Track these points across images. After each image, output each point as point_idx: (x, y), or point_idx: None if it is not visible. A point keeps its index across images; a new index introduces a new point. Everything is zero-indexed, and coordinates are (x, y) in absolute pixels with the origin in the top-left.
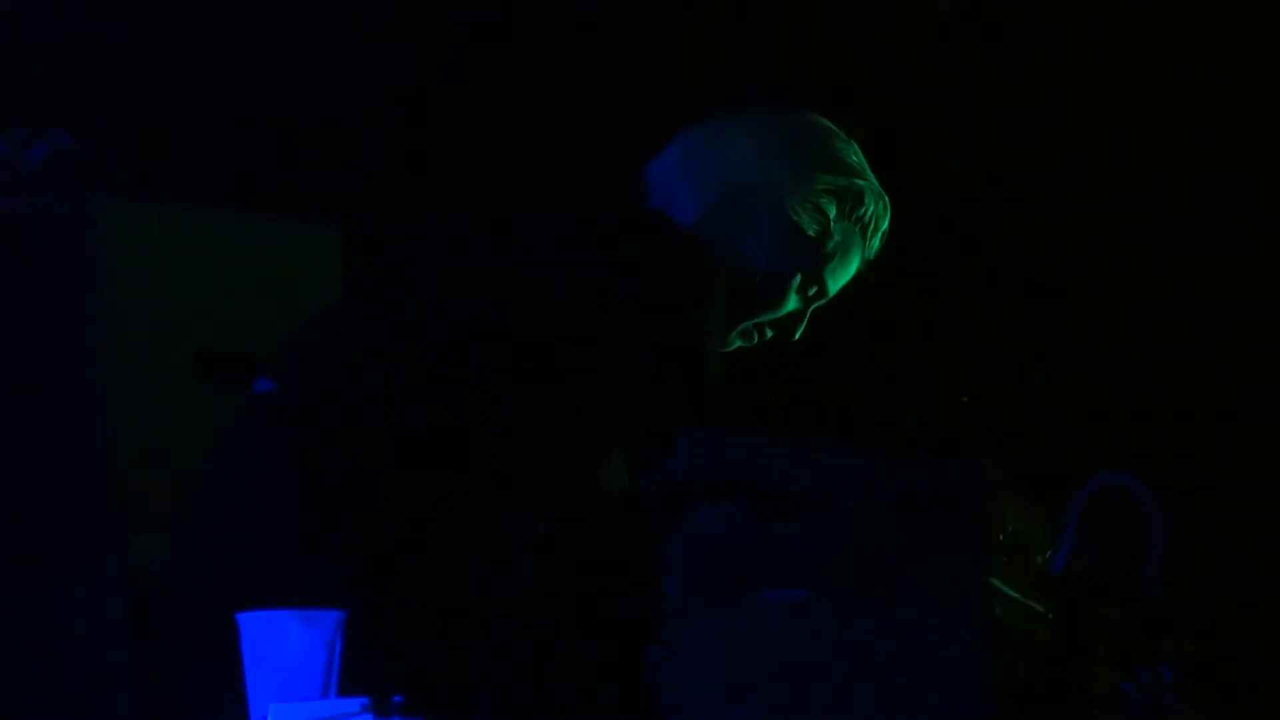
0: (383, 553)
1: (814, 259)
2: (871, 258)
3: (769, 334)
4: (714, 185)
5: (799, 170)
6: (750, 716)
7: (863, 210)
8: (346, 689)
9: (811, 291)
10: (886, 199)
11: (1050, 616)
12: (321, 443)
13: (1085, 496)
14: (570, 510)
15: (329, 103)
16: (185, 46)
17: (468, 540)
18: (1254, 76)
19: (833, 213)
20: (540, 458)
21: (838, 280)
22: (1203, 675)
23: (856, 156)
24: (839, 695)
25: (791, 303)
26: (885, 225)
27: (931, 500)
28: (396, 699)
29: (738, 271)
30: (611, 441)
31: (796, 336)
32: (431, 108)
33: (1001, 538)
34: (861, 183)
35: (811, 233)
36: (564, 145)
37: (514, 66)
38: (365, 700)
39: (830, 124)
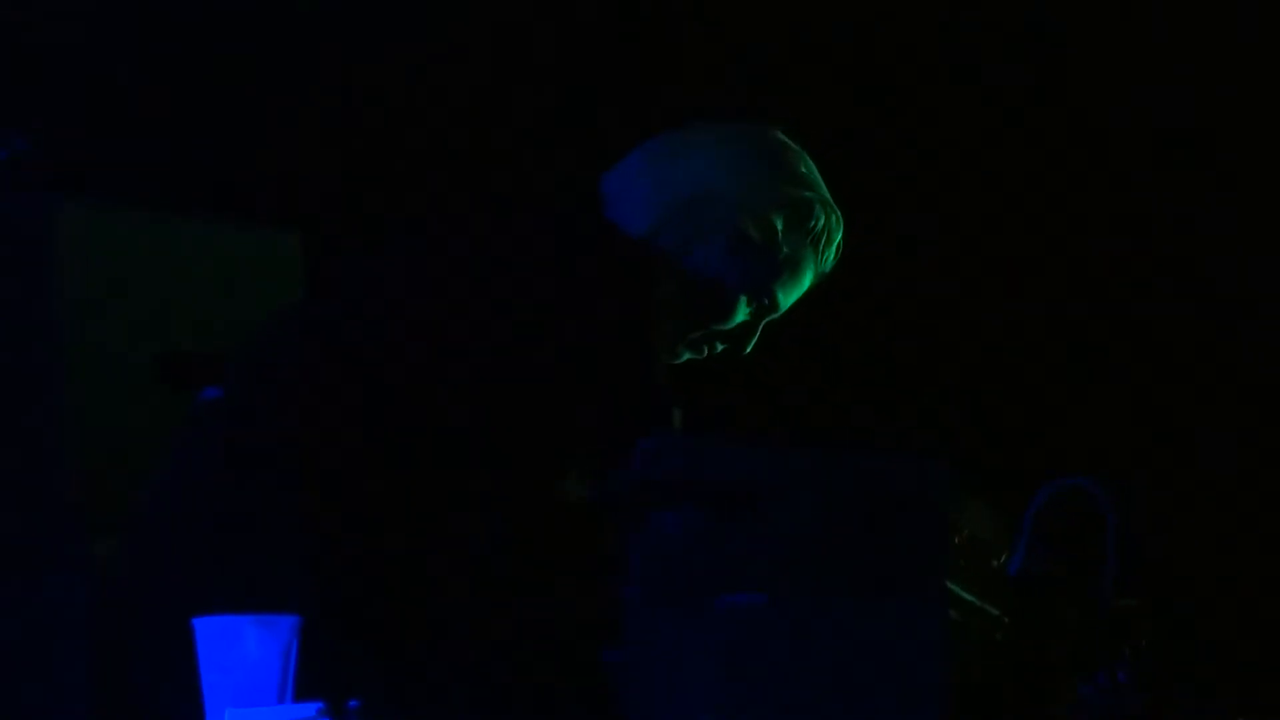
0: (334, 556)
1: (764, 272)
2: (826, 271)
3: (720, 347)
4: (666, 195)
5: (750, 182)
6: (708, 718)
7: (814, 223)
8: (302, 693)
9: (763, 303)
10: (839, 213)
11: (1006, 619)
12: (271, 449)
13: (1041, 499)
14: (527, 514)
15: (289, 105)
16: (144, 49)
17: (425, 544)
18: (1209, 74)
19: (781, 225)
20: (496, 461)
21: (789, 294)
22: (1159, 676)
23: (808, 169)
24: (797, 697)
25: (741, 314)
26: (838, 238)
27: (889, 502)
28: (352, 704)
29: (687, 282)
30: (567, 446)
31: (748, 349)
32: (393, 111)
33: (957, 540)
34: (812, 195)
35: (761, 245)
36: (527, 152)
37: (479, 72)
38: (321, 705)
39: (784, 137)
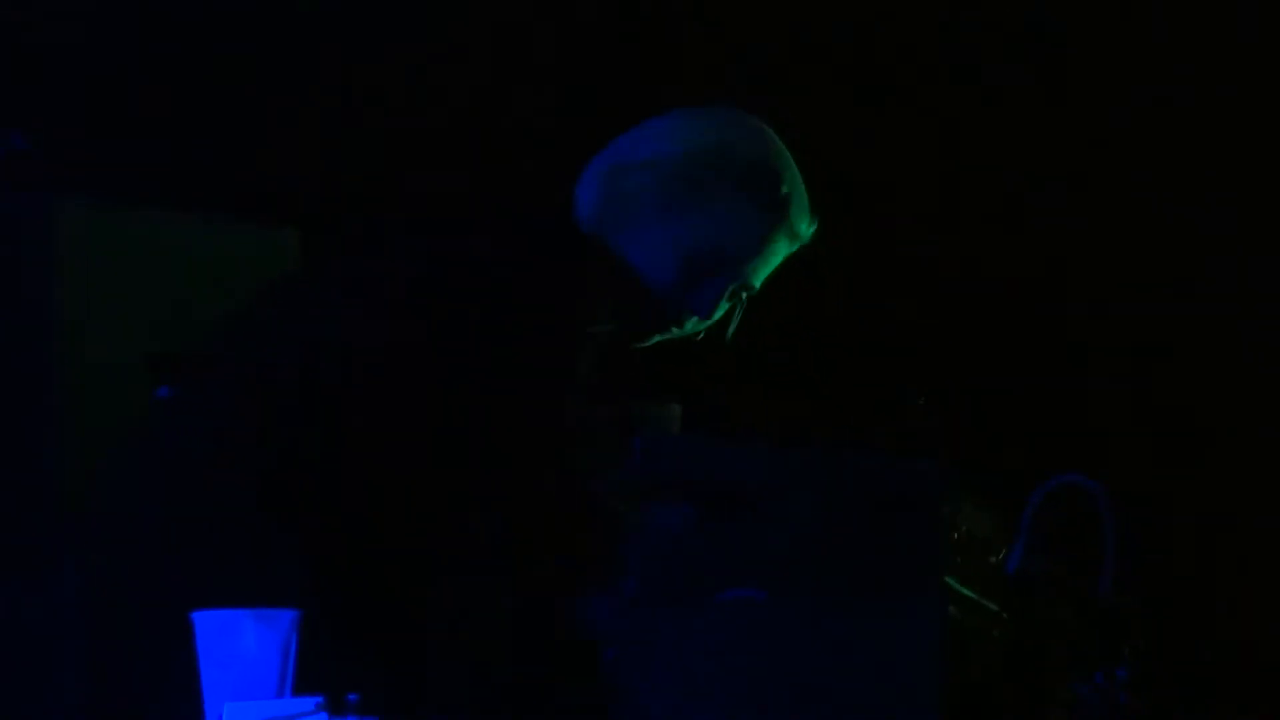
0: (329, 552)
1: (711, 236)
2: (802, 240)
3: (696, 326)
4: (604, 166)
5: (691, 145)
6: (706, 715)
7: (781, 200)
8: (301, 687)
9: (734, 288)
10: (805, 197)
11: (1005, 616)
12: (239, 442)
13: (1039, 497)
14: (526, 511)
15: (288, 104)
16: (143, 48)
17: (422, 541)
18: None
19: (724, 182)
20: (489, 458)
21: (756, 264)
22: (1157, 675)
23: (778, 150)
24: (794, 694)
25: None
26: (803, 202)
27: (886, 500)
28: (351, 697)
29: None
30: (557, 440)
31: (731, 329)
32: (392, 109)
33: (956, 537)
34: (782, 181)
35: (704, 205)
36: (528, 151)
37: (479, 71)
38: (320, 699)
39: (753, 120)
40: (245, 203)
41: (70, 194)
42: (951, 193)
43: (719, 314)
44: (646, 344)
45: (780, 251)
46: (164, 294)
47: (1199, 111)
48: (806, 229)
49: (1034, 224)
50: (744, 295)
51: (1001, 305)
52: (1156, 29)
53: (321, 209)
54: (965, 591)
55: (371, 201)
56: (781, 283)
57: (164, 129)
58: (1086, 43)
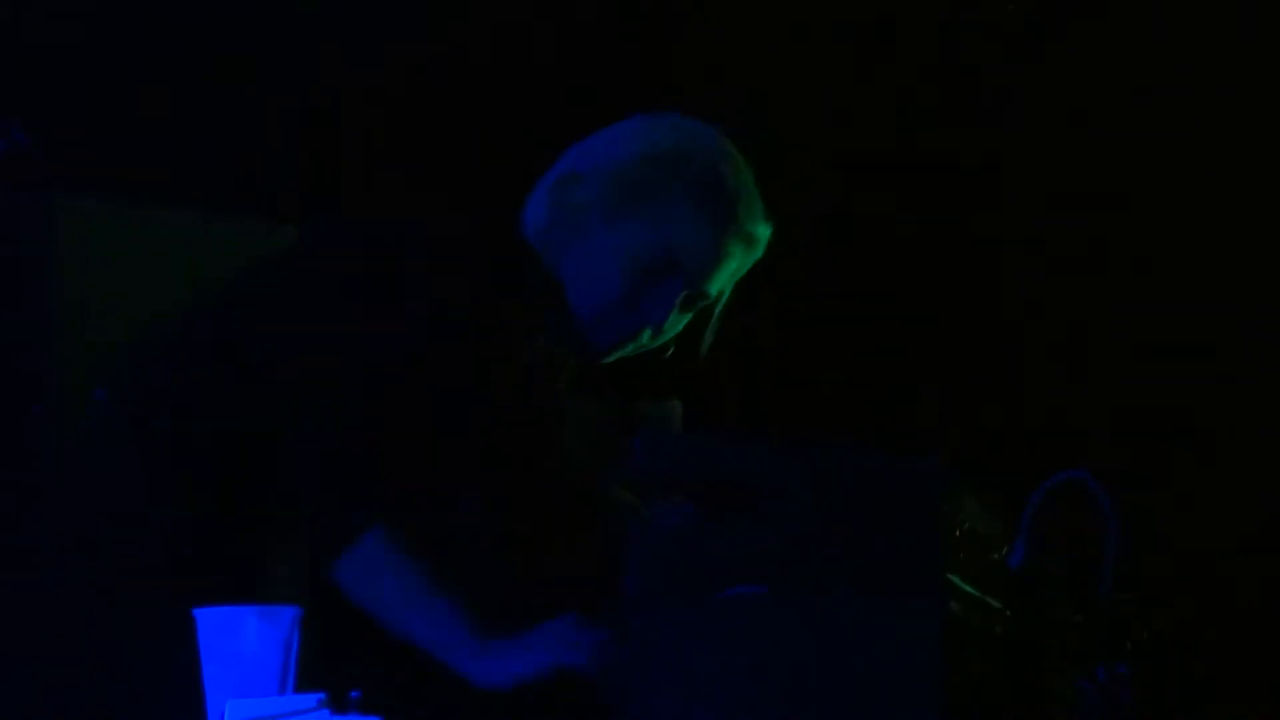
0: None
1: (652, 239)
2: (753, 244)
3: (650, 339)
4: (550, 180)
5: (620, 149)
6: (708, 712)
7: (706, 177)
8: (304, 684)
9: (686, 296)
10: (759, 205)
11: (1007, 613)
12: (162, 445)
13: (1042, 493)
14: (526, 509)
15: (286, 101)
16: (143, 46)
17: (426, 535)
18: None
19: (666, 182)
20: (488, 455)
21: (714, 281)
22: (1158, 672)
23: (730, 157)
24: (796, 691)
25: (676, 319)
26: (762, 227)
27: (887, 498)
28: (354, 694)
29: (576, 272)
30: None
31: (707, 339)
32: (391, 106)
33: (958, 533)
34: (734, 187)
35: (642, 207)
36: (527, 150)
37: (478, 70)
38: (322, 695)
39: (707, 127)
40: (245, 201)
41: (70, 191)
42: (950, 190)
43: (676, 329)
44: (602, 359)
45: (735, 258)
46: (165, 292)
47: (1199, 111)
48: (763, 233)
49: (1033, 221)
50: (700, 304)
51: (1002, 302)
52: (1156, 29)
53: (321, 205)
54: (967, 588)
55: (371, 197)
56: (777, 281)
57: (164, 127)
58: (1088, 41)
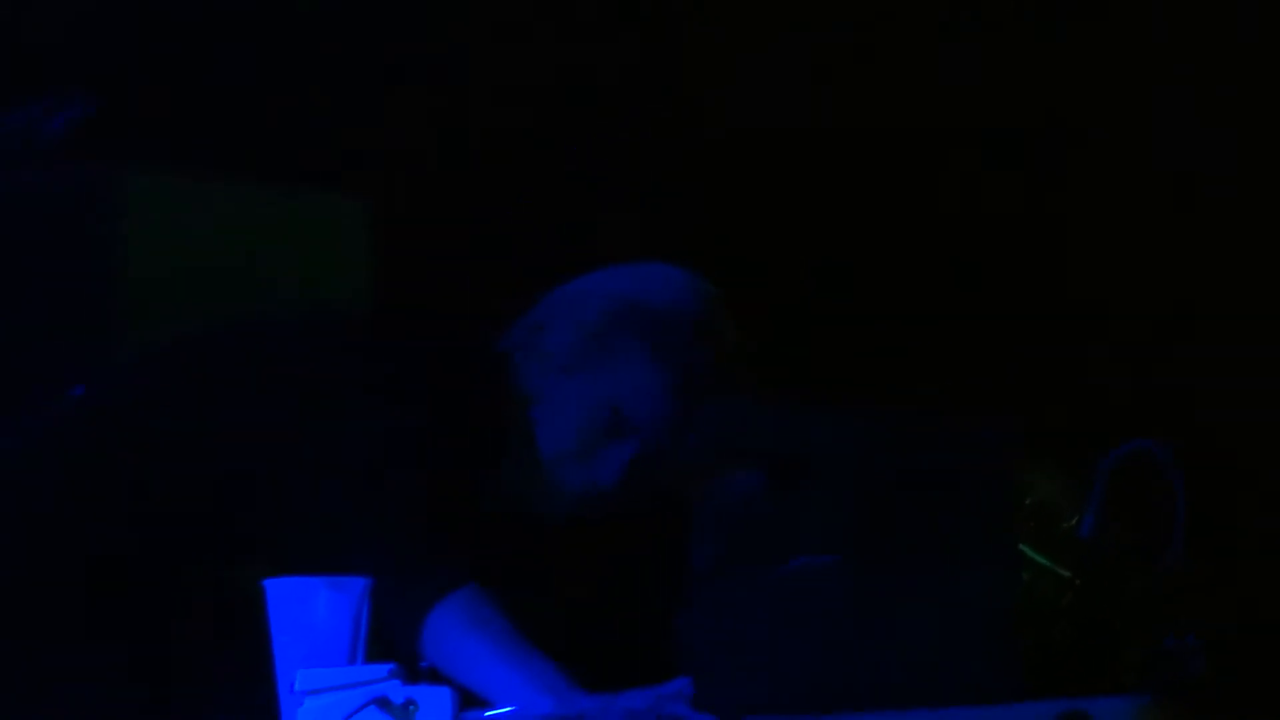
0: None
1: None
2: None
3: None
4: (548, 350)
5: (628, 324)
6: (775, 683)
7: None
8: (374, 655)
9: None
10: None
11: (1076, 582)
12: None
13: (1111, 462)
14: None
15: (358, 71)
16: (210, 14)
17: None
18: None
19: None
20: None
21: (673, 437)
22: (1227, 641)
23: (693, 304)
24: (864, 661)
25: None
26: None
27: (957, 465)
28: (424, 664)
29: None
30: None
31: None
32: (459, 76)
33: (1028, 503)
34: (695, 336)
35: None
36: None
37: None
38: (393, 665)
39: (678, 274)
40: (312, 171)
41: (135, 163)
42: (1033, 141)
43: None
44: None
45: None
46: (230, 264)
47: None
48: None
49: (1107, 185)
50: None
51: (1074, 268)
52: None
53: (391, 177)
54: (1037, 558)
55: (442, 170)
56: (846, 249)
57: (233, 95)
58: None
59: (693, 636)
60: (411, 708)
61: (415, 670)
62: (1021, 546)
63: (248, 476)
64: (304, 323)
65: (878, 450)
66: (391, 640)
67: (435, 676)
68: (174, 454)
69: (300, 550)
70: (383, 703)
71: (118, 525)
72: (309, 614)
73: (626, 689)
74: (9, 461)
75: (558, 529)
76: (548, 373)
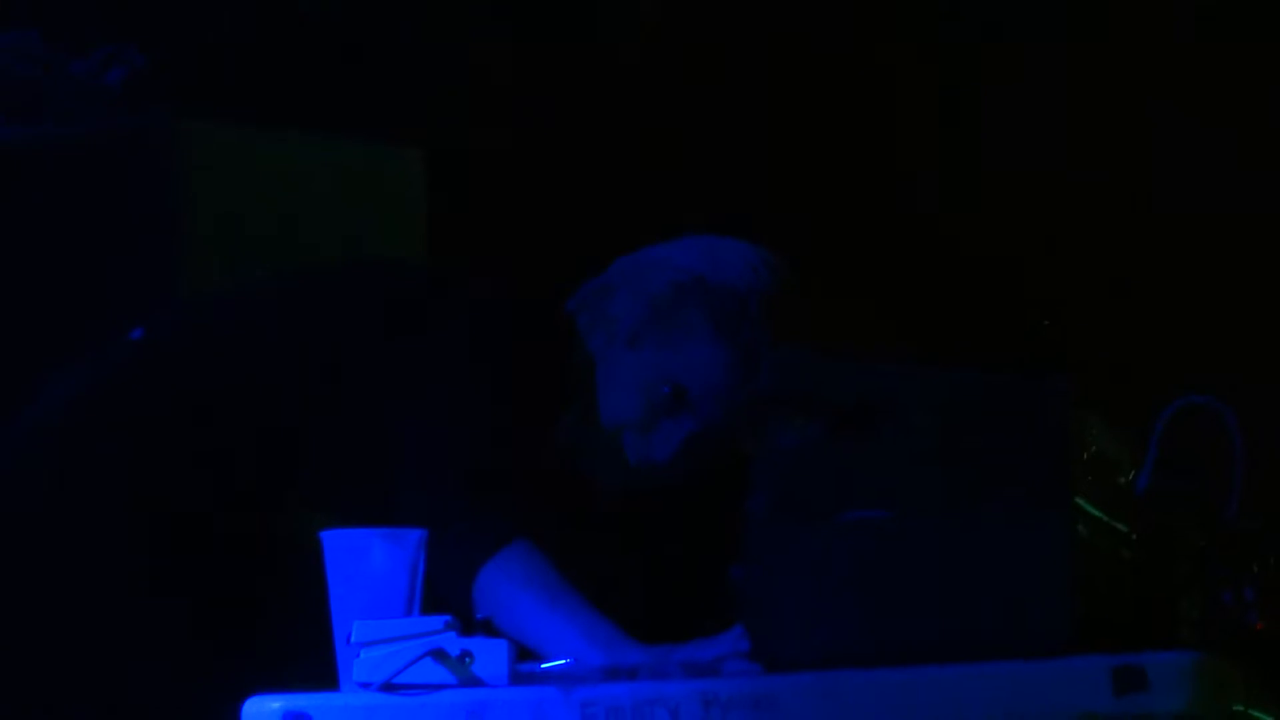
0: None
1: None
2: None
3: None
4: (614, 314)
5: (693, 300)
6: (832, 633)
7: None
8: (429, 607)
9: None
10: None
11: (1133, 536)
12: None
13: (1169, 416)
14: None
15: (413, 21)
16: None
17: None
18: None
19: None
20: None
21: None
22: None
23: (757, 285)
24: (920, 613)
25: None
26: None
27: (1013, 418)
28: (480, 616)
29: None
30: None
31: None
32: (518, 29)
33: (1085, 457)
34: (754, 318)
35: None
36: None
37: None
38: (449, 618)
39: (748, 251)
40: (368, 121)
41: (192, 113)
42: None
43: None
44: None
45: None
46: (287, 214)
47: None
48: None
49: (1161, 137)
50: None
51: (1132, 221)
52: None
53: (446, 127)
54: (1093, 511)
55: (496, 121)
56: (902, 211)
57: (287, 47)
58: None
59: (747, 589)
60: (467, 659)
61: (471, 622)
62: (1078, 500)
63: (306, 428)
64: (369, 274)
65: (935, 403)
66: (445, 594)
67: (490, 629)
68: (232, 401)
69: (357, 502)
70: (439, 654)
71: (176, 474)
72: (365, 566)
73: (680, 642)
74: (71, 406)
75: (613, 494)
76: (612, 340)
